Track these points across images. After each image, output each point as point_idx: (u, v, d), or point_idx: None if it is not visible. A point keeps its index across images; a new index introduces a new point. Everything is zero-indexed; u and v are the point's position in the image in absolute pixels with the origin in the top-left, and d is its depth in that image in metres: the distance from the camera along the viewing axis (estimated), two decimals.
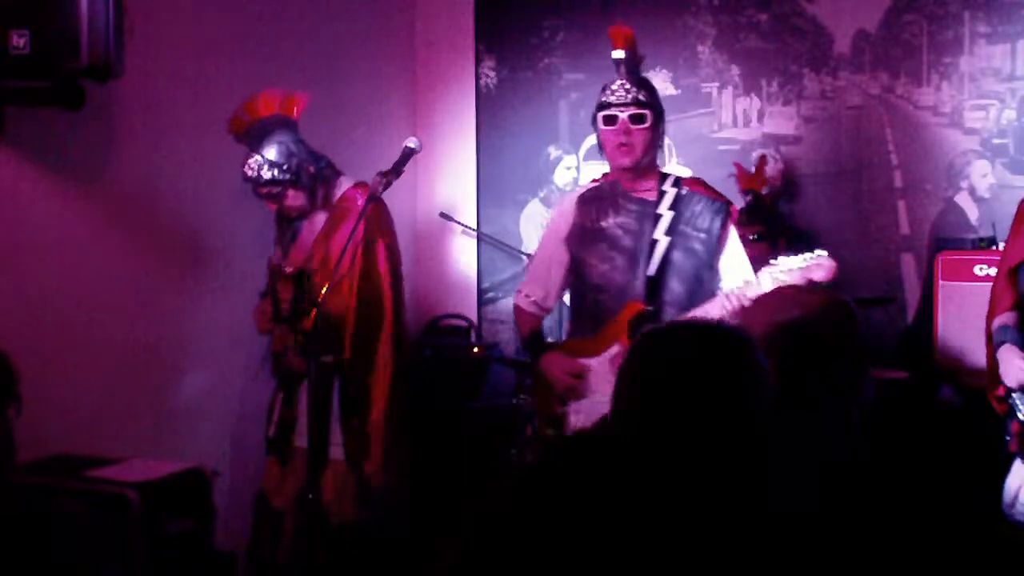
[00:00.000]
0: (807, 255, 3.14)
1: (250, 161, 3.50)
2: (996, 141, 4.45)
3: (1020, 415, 2.98)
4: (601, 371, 3.27)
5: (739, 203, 4.22)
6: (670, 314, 3.23)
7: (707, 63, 4.86)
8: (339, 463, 3.57)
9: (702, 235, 3.32)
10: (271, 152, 3.49)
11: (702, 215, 3.34)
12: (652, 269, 3.28)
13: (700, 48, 4.86)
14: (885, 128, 4.62)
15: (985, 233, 4.25)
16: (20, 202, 3.29)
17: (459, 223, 5.22)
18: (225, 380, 3.99)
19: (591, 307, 3.37)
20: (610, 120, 3.28)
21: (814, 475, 1.89)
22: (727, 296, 3.18)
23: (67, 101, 3.08)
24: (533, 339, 3.48)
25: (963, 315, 3.93)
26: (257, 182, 3.51)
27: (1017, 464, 3.08)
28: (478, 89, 5.24)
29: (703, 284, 3.33)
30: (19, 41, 2.88)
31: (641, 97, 3.28)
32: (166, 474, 3.07)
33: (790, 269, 3.12)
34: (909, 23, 4.56)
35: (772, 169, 4.66)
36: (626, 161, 3.30)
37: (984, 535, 1.94)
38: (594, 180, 3.51)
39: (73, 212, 3.46)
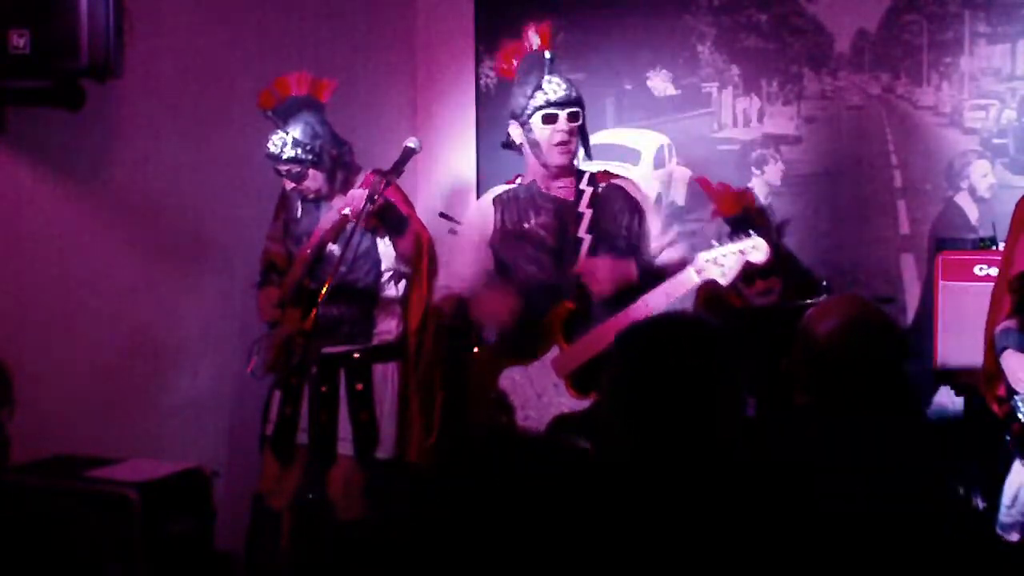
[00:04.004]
0: (743, 240, 3.10)
1: (274, 137, 3.49)
2: (996, 141, 4.44)
3: (1021, 416, 2.98)
4: (543, 374, 3.25)
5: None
6: (598, 311, 3.22)
7: (707, 63, 4.86)
8: (347, 458, 3.56)
9: (623, 232, 3.33)
10: (296, 131, 3.48)
11: (621, 212, 3.34)
12: (578, 267, 3.28)
13: (700, 48, 4.85)
14: (885, 128, 4.61)
15: (985, 233, 4.24)
16: (20, 202, 3.29)
17: (459, 223, 5.20)
18: (224, 379, 3.99)
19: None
20: (550, 119, 3.26)
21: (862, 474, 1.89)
22: (665, 289, 3.15)
23: (67, 101, 3.08)
24: (460, 309, 3.40)
25: (963, 315, 3.92)
26: (278, 159, 3.50)
27: (1017, 464, 3.08)
28: (478, 89, 5.23)
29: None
30: (19, 41, 2.88)
31: (575, 94, 3.29)
32: (166, 474, 3.08)
33: (727, 254, 3.09)
34: (909, 23, 4.55)
35: (772, 171, 4.67)
36: (564, 160, 3.31)
37: (981, 537, 1.95)
38: (507, 182, 3.48)
39: (73, 212, 3.46)
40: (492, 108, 5.22)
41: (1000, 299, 3.17)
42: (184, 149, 3.83)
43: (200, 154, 3.89)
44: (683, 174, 4.87)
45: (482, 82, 5.23)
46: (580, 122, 3.30)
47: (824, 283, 3.82)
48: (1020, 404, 2.97)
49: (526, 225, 3.34)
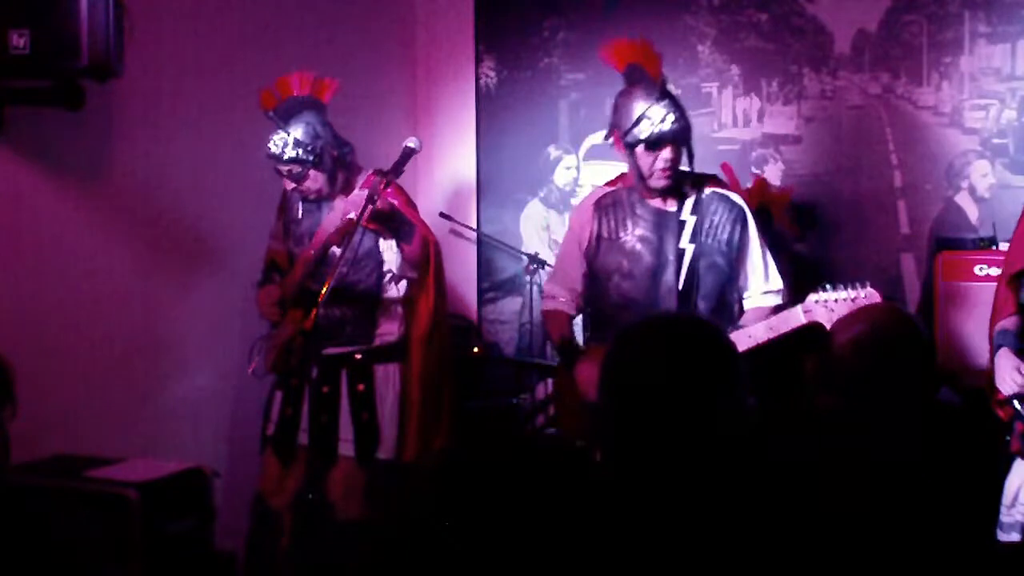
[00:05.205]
0: (857, 288, 3.14)
1: (275, 138, 3.49)
2: (996, 141, 4.45)
3: (1022, 415, 2.97)
4: None
5: None
6: None
7: (707, 63, 4.86)
8: (347, 459, 3.57)
9: (723, 248, 3.31)
10: (297, 131, 3.47)
11: (722, 225, 3.32)
12: (681, 282, 3.26)
13: (700, 48, 4.86)
14: (885, 128, 4.61)
15: (985, 233, 4.24)
16: (20, 202, 3.29)
17: (459, 223, 5.22)
18: (224, 379, 3.99)
19: (612, 323, 3.30)
20: (655, 147, 3.21)
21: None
22: (770, 323, 3.19)
23: (67, 101, 3.08)
24: (567, 344, 3.42)
25: (963, 315, 3.92)
26: (279, 159, 3.49)
27: (1017, 464, 3.08)
28: (478, 89, 5.24)
29: (726, 299, 3.34)
30: (19, 41, 2.88)
31: (682, 124, 3.22)
32: (166, 474, 3.08)
33: (838, 299, 3.11)
34: (909, 23, 4.55)
35: (772, 171, 4.67)
36: (665, 184, 3.27)
37: (982, 538, 1.95)
38: (609, 184, 3.47)
39: (73, 212, 3.46)
40: (492, 108, 5.22)
41: (1003, 300, 3.17)
42: (184, 149, 3.83)
43: (200, 154, 3.89)
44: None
45: (482, 82, 5.23)
46: (686, 145, 3.26)
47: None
48: (1019, 405, 2.97)
49: (623, 236, 3.32)
